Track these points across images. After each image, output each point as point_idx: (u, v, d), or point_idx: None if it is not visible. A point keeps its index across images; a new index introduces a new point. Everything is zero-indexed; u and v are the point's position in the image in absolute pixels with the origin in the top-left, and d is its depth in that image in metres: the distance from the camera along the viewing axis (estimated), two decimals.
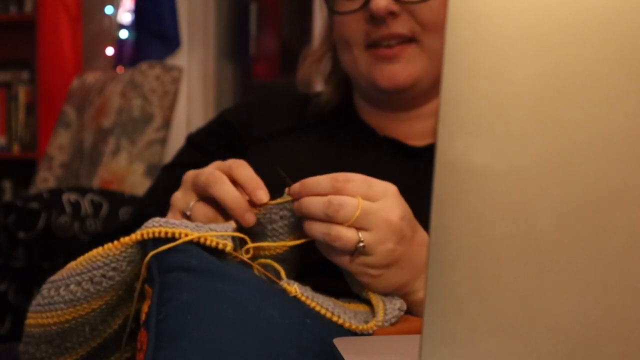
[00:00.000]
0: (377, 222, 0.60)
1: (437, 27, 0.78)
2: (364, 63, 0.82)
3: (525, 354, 0.39)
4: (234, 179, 0.65)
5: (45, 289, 0.58)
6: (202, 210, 0.66)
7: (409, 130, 0.87)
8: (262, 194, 0.64)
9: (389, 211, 0.60)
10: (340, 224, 0.59)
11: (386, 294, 0.64)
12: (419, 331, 0.40)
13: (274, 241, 0.66)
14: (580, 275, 0.38)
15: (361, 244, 0.59)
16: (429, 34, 0.79)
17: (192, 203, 0.66)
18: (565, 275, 0.38)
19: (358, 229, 0.60)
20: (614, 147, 0.36)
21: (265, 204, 0.64)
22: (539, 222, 0.37)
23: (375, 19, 0.78)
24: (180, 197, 0.68)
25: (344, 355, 0.48)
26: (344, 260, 0.61)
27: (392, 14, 0.78)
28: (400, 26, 0.79)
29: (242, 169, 0.66)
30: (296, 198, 0.63)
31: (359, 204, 0.59)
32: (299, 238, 0.65)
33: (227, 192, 0.64)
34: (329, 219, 0.59)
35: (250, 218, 0.64)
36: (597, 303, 0.38)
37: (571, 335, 0.38)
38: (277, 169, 0.66)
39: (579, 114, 0.36)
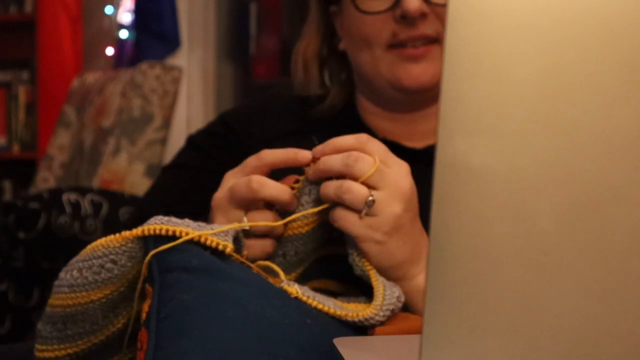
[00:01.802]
0: (389, 183, 0.62)
1: None
2: (386, 63, 0.82)
3: (525, 353, 0.39)
4: (269, 165, 0.66)
5: (62, 271, 0.60)
6: (261, 217, 0.66)
7: (413, 130, 0.87)
8: (306, 152, 0.66)
9: (401, 177, 0.63)
10: (355, 179, 0.62)
11: (386, 268, 0.64)
12: (419, 331, 0.40)
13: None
14: (580, 275, 0.38)
15: (371, 198, 0.61)
16: None
17: (244, 218, 0.66)
18: (565, 275, 0.38)
19: (369, 187, 0.62)
20: (614, 147, 0.36)
21: (309, 163, 0.66)
22: (539, 222, 0.37)
23: (406, 20, 0.79)
24: (224, 222, 0.67)
25: (344, 355, 0.48)
26: (351, 221, 0.62)
27: (423, 15, 0.78)
28: (428, 27, 0.80)
29: (268, 154, 0.67)
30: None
31: (375, 161, 0.62)
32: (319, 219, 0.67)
33: (277, 189, 0.65)
34: (347, 168, 0.62)
35: (295, 204, 0.67)
36: (597, 303, 0.38)
37: (571, 335, 0.38)
38: (312, 138, 0.68)
39: (579, 114, 0.36)
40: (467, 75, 0.37)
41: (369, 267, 0.64)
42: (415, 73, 0.81)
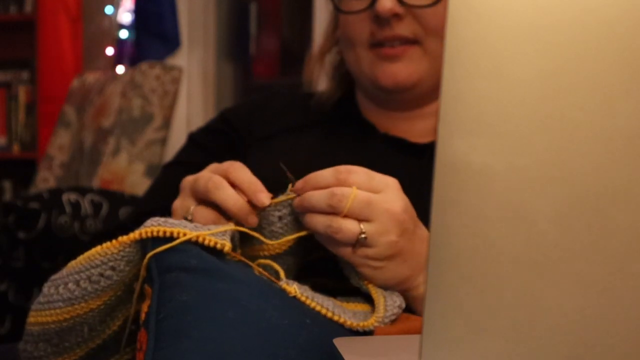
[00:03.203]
0: (379, 213, 0.60)
1: (441, 31, 0.79)
2: (367, 62, 0.83)
3: (525, 353, 0.39)
4: (232, 182, 0.65)
5: (46, 287, 0.59)
6: (203, 213, 0.65)
7: (411, 128, 0.87)
8: (264, 197, 0.64)
9: (392, 203, 0.61)
10: (343, 215, 0.60)
11: (387, 288, 0.64)
12: (419, 331, 0.40)
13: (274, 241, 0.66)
14: (580, 275, 0.38)
15: (363, 236, 0.60)
16: (432, 37, 0.80)
17: (192, 208, 0.66)
18: (565, 275, 0.38)
19: (360, 220, 0.60)
20: (614, 147, 0.36)
21: (268, 205, 0.64)
22: (539, 222, 0.37)
23: (380, 20, 0.79)
24: (180, 204, 0.68)
25: (344, 355, 0.48)
26: (345, 252, 0.62)
27: (397, 16, 0.79)
28: (404, 28, 0.80)
29: (240, 171, 0.65)
30: (298, 194, 0.63)
31: (353, 192, 0.60)
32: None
33: (228, 197, 0.64)
34: (332, 210, 0.60)
35: (253, 220, 0.64)
36: (597, 303, 0.38)
37: (571, 335, 0.38)
38: (280, 164, 0.66)
39: (579, 114, 0.36)
40: (467, 75, 0.37)
41: (366, 281, 0.64)
42: (391, 72, 0.81)
